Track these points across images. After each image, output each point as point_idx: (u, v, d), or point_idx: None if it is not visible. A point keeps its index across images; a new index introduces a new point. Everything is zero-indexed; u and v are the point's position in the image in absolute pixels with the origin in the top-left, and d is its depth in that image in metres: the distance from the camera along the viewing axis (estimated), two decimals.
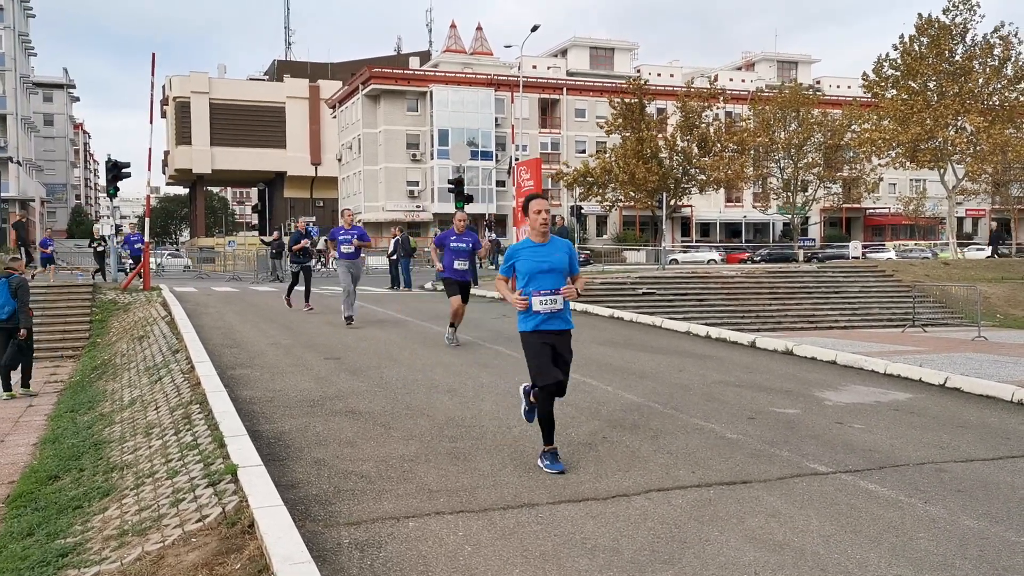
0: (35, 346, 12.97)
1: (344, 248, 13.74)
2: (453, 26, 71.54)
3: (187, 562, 4.41)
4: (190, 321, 13.28)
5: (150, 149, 22.09)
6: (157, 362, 10.93)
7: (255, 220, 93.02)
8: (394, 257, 25.28)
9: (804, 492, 5.44)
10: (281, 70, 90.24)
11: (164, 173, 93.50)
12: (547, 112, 65.58)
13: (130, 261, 26.17)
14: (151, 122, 22.17)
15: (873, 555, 4.40)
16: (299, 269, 16.30)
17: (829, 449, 6.48)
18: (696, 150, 48.94)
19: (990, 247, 38.93)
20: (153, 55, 21.92)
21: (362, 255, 14.29)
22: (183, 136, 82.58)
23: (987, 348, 16.06)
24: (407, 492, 5.25)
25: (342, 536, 4.51)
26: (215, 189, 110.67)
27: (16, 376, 12.48)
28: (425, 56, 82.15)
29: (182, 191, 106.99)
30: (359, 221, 63.59)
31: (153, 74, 22.00)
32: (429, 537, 4.52)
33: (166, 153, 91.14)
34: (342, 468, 5.72)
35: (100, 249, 26.74)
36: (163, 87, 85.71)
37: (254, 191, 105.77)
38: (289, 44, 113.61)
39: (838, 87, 70.95)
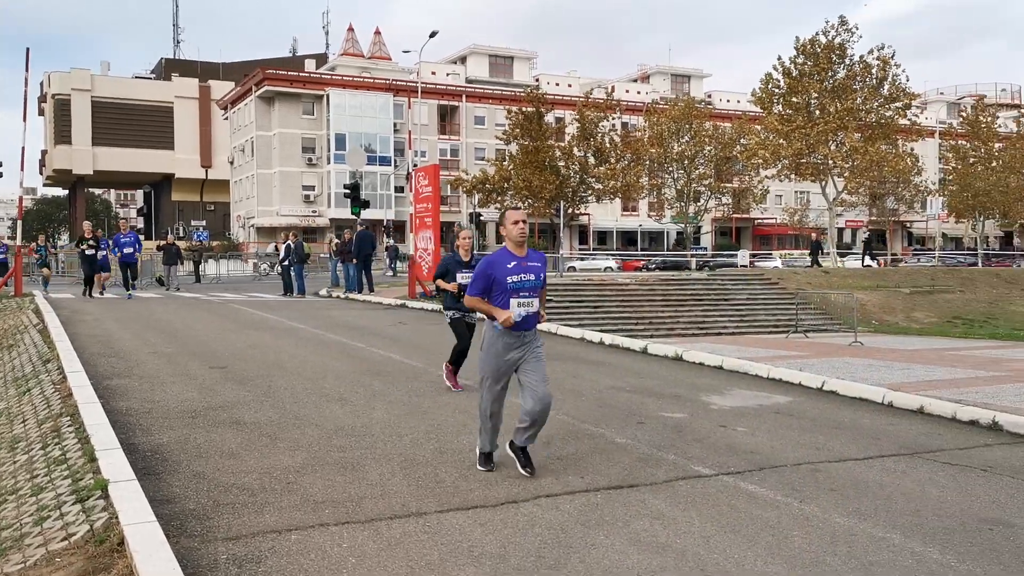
0: None
1: (522, 303, 5.92)
2: (351, 29, 70.57)
3: None
4: (64, 329, 12.61)
5: (23, 148, 20.92)
6: (26, 372, 10.32)
7: (141, 224, 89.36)
8: (286, 263, 24.71)
9: (688, 494, 5.56)
10: (169, 68, 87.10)
11: (41, 174, 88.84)
12: (446, 118, 65.54)
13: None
14: (24, 120, 21.01)
15: (750, 554, 4.53)
16: (461, 317, 9.07)
17: (713, 452, 6.66)
18: (592, 160, 49.78)
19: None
20: (27, 50, 20.88)
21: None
22: (62, 135, 78.63)
23: (862, 353, 16.86)
24: (291, 504, 5.11)
25: (219, 552, 4.34)
26: (97, 191, 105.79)
27: None
28: (322, 59, 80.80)
29: (61, 193, 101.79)
30: (251, 225, 62.04)
31: (27, 70, 20.90)
32: (312, 550, 4.40)
33: (44, 153, 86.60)
34: (223, 481, 5.52)
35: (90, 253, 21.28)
36: (41, 84, 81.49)
37: (140, 193, 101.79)
38: (178, 42, 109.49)
39: (728, 101, 73.48)
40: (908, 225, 75.30)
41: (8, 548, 4.80)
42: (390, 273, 37.93)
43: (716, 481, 5.87)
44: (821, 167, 41.22)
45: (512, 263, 5.88)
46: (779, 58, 40.64)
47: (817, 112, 40.37)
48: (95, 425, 6.45)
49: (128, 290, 21.73)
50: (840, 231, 68.58)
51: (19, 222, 22.10)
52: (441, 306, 10.65)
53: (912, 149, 48.73)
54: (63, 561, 4.36)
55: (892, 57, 40.29)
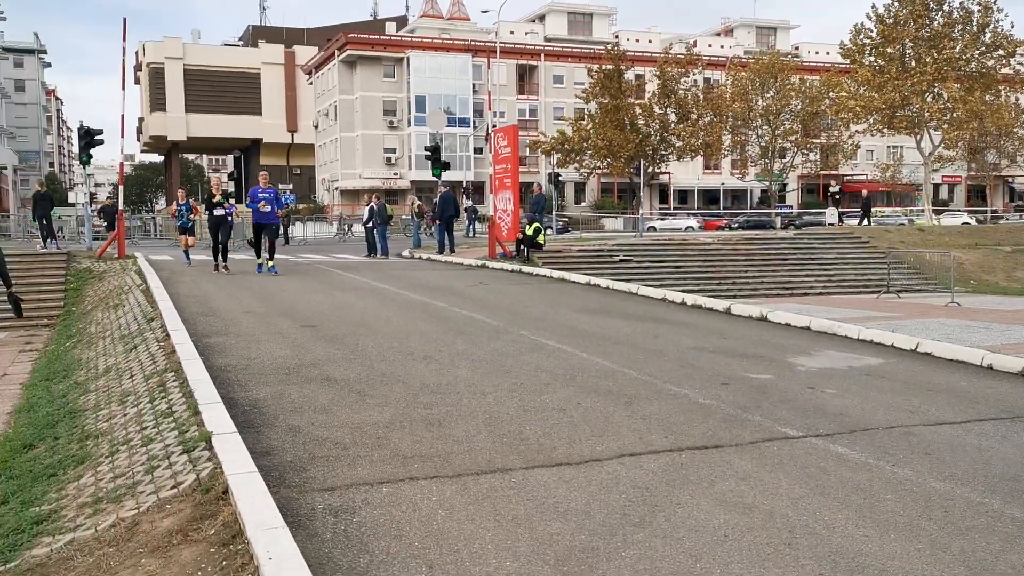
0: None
1: None
2: None
3: (162, 528, 4.42)
4: (165, 289, 13.17)
5: (123, 116, 21.73)
6: (132, 330, 10.86)
7: (231, 188, 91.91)
8: (370, 224, 25.14)
9: (775, 456, 5.52)
10: (256, 35, 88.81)
11: (139, 140, 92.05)
12: (525, 78, 65.10)
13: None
14: (123, 88, 21.79)
15: (840, 517, 4.48)
16: None
17: (800, 414, 6.56)
18: (673, 117, 48.84)
19: (863, 215, 37.61)
20: (124, 20, 21.58)
21: None
22: (157, 103, 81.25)
23: (960, 314, 16.27)
24: (381, 458, 5.27)
25: (316, 502, 4.52)
26: (190, 156, 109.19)
27: None
28: (402, 21, 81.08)
29: (157, 159, 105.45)
30: (335, 188, 63.16)
31: (125, 39, 21.60)
32: (403, 502, 4.55)
33: (140, 120, 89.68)
34: (316, 435, 5.73)
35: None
36: (136, 53, 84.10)
37: (230, 158, 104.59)
38: (264, 9, 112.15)
39: (816, 53, 70.83)
40: (1010, 180, 71.79)
41: (123, 495, 5.12)
42: (471, 235, 38.18)
43: (804, 443, 5.80)
44: (916, 120, 39.52)
45: None
46: (873, 5, 38.94)
47: (912, 63, 38.61)
48: (197, 380, 6.76)
49: (268, 260, 17.27)
50: (936, 187, 65.83)
51: (120, 187, 23.03)
52: (530, 267, 9.91)
53: (1016, 100, 46.20)
54: (173, 508, 4.62)
55: (995, 2, 38.12)
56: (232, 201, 19.09)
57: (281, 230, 27.59)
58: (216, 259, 17.67)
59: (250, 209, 17.66)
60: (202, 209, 20.79)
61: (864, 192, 38.99)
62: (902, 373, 8.29)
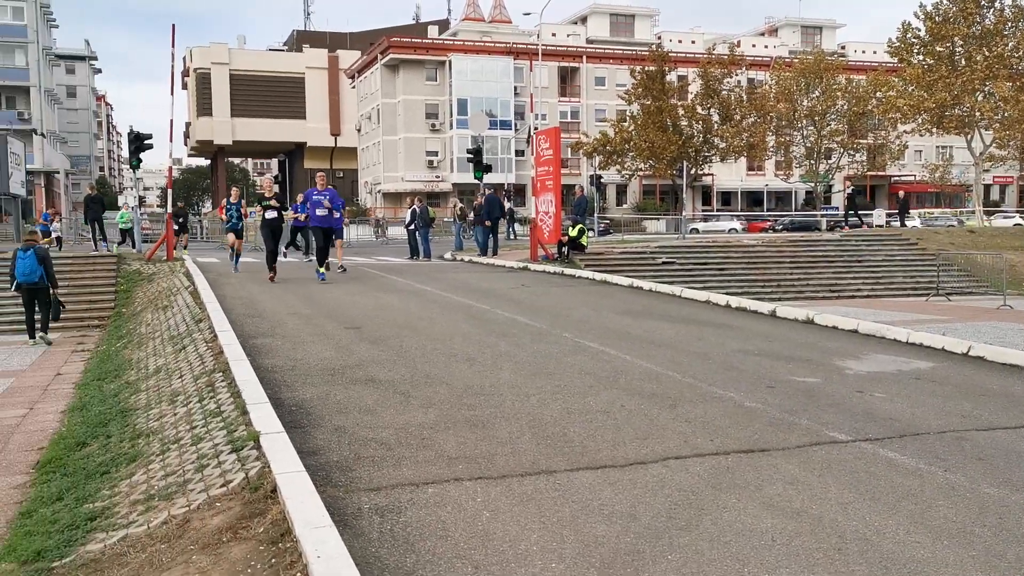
0: (61, 315, 14.94)
1: None
2: None
3: (212, 526, 4.50)
4: (212, 291, 13.38)
5: (171, 121, 22.15)
6: (181, 331, 11.06)
7: (276, 190, 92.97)
8: (412, 227, 25.30)
9: (823, 460, 5.44)
10: (300, 40, 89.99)
11: (186, 144, 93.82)
12: (566, 80, 65.08)
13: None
14: (172, 94, 22.21)
15: (891, 522, 4.41)
16: None
17: (849, 417, 6.46)
18: (717, 118, 48.44)
19: (900, 215, 36.78)
20: (173, 26, 21.93)
21: None
22: (204, 107, 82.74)
23: (1012, 317, 15.89)
24: (426, 459, 5.31)
25: (362, 501, 4.57)
26: (236, 160, 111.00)
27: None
28: (444, 25, 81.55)
29: (203, 162, 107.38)
30: (378, 191, 63.66)
31: (174, 45, 22.00)
32: (448, 503, 4.57)
33: (188, 124, 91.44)
34: (362, 435, 5.79)
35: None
36: (184, 58, 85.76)
37: (275, 162, 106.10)
38: (308, 14, 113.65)
39: (863, 52, 69.82)
40: None
41: (174, 492, 5.22)
42: (512, 237, 38.24)
43: (853, 447, 5.71)
44: (967, 119, 38.71)
45: None
46: (921, 4, 38.23)
47: (963, 61, 37.83)
48: (245, 381, 6.86)
49: (320, 267, 16.30)
50: (987, 188, 64.36)
51: (169, 191, 23.47)
52: (572, 269, 10.12)
53: None
54: (223, 506, 4.70)
55: None
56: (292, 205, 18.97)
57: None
58: (272, 266, 16.08)
59: (297, 212, 17.68)
60: (250, 211, 20.89)
61: (901, 193, 38.60)
62: (953, 377, 8.13)
